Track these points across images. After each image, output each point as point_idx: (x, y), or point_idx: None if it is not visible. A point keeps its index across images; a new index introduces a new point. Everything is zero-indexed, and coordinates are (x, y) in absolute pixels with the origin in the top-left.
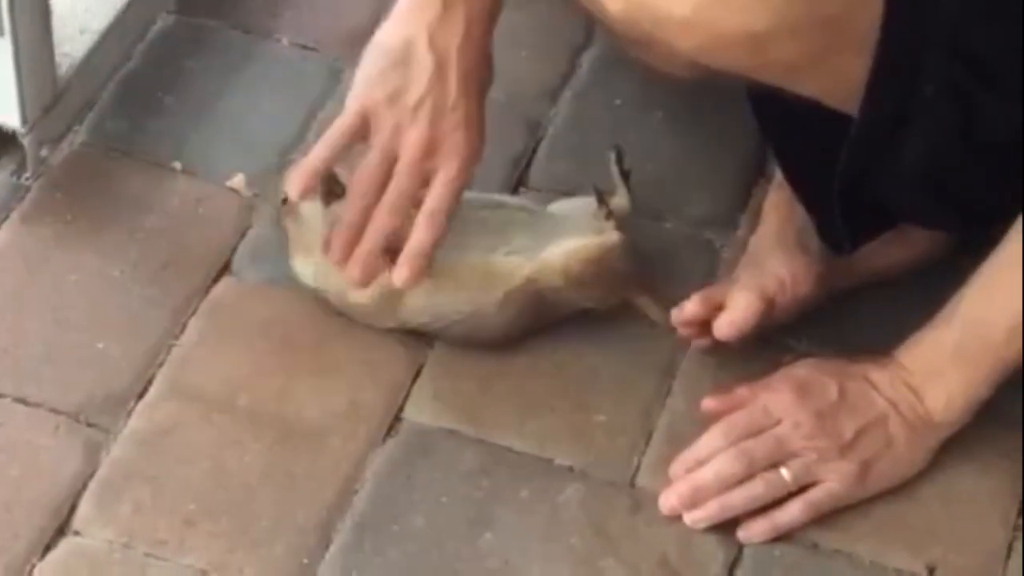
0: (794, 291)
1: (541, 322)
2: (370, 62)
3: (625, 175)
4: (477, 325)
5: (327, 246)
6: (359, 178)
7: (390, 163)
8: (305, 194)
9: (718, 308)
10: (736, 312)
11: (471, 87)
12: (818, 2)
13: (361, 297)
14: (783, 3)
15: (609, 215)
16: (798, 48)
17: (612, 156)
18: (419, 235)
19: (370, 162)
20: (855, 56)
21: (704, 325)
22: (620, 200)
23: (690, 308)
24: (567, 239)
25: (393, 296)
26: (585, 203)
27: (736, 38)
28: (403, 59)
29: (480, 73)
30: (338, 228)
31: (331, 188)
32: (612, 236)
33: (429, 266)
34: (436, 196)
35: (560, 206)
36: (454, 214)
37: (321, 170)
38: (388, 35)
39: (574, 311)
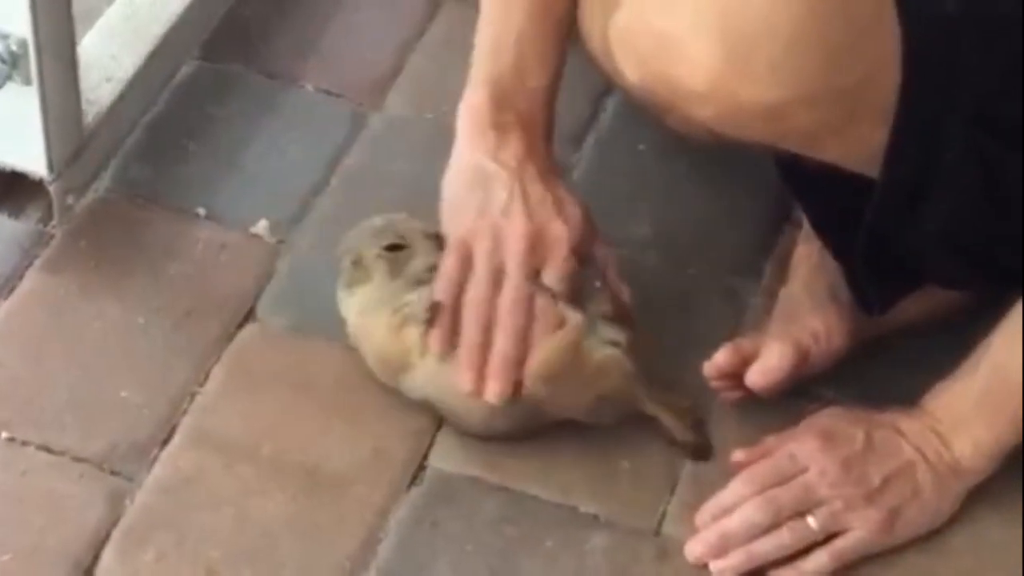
0: (828, 344)
1: (541, 425)
2: (448, 197)
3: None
4: (471, 425)
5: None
6: (472, 296)
7: (497, 273)
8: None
9: (750, 359)
10: (769, 361)
11: (550, 180)
12: (835, 72)
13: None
14: (800, 74)
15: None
16: (816, 118)
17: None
18: (541, 329)
19: (479, 281)
20: (874, 124)
21: (736, 377)
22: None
23: (721, 358)
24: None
25: (401, 366)
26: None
27: (753, 109)
28: (478, 180)
29: (554, 170)
30: (463, 350)
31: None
32: (574, 322)
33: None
34: (551, 283)
35: None
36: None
37: (452, 322)
38: (455, 168)
39: (580, 420)
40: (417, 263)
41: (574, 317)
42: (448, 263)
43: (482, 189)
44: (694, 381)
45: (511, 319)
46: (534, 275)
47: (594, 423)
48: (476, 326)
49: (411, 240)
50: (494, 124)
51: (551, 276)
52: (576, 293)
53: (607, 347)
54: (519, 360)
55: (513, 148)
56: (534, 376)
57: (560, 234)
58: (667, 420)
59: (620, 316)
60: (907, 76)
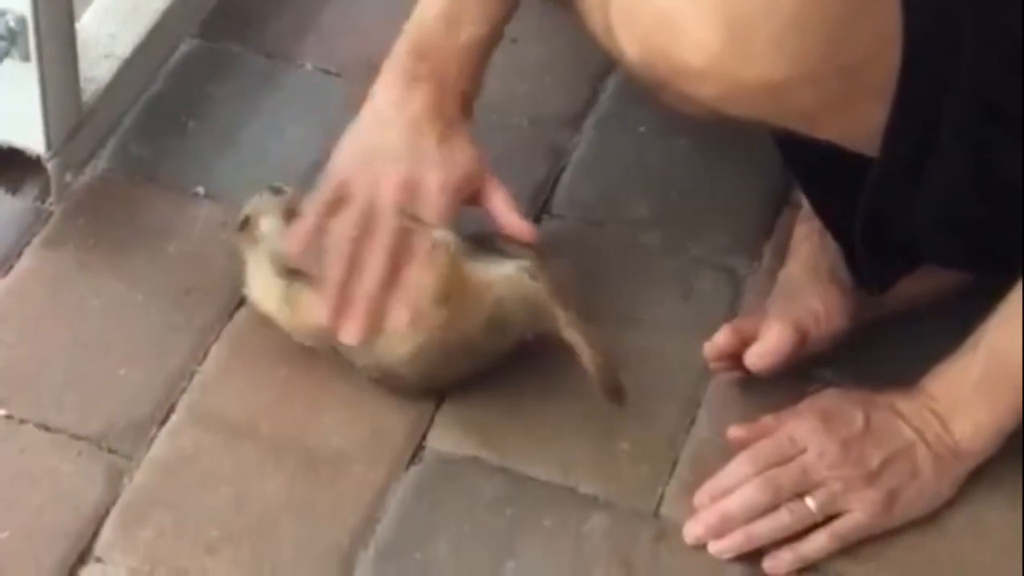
0: (828, 325)
1: (476, 366)
2: (345, 139)
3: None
4: (399, 377)
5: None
6: (342, 234)
7: (370, 216)
8: (302, 253)
9: (750, 340)
10: (768, 343)
11: (447, 136)
12: (836, 51)
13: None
14: (801, 53)
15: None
16: (816, 96)
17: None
18: (414, 277)
19: (351, 216)
20: (874, 103)
21: (735, 358)
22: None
23: (721, 339)
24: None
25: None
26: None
27: (754, 87)
28: (373, 127)
29: (456, 127)
30: (327, 284)
31: (292, 208)
32: (444, 241)
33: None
34: (423, 236)
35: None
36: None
37: (309, 243)
38: (360, 116)
39: (516, 345)
40: (265, 223)
41: (444, 236)
42: (322, 198)
43: (374, 136)
44: (693, 361)
45: (378, 260)
46: (407, 223)
47: (503, 346)
48: (341, 262)
49: (257, 211)
50: (407, 74)
51: (422, 214)
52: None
53: (504, 266)
54: (381, 304)
55: (418, 101)
56: (427, 300)
57: (437, 183)
58: (580, 347)
59: (525, 248)
60: (907, 55)
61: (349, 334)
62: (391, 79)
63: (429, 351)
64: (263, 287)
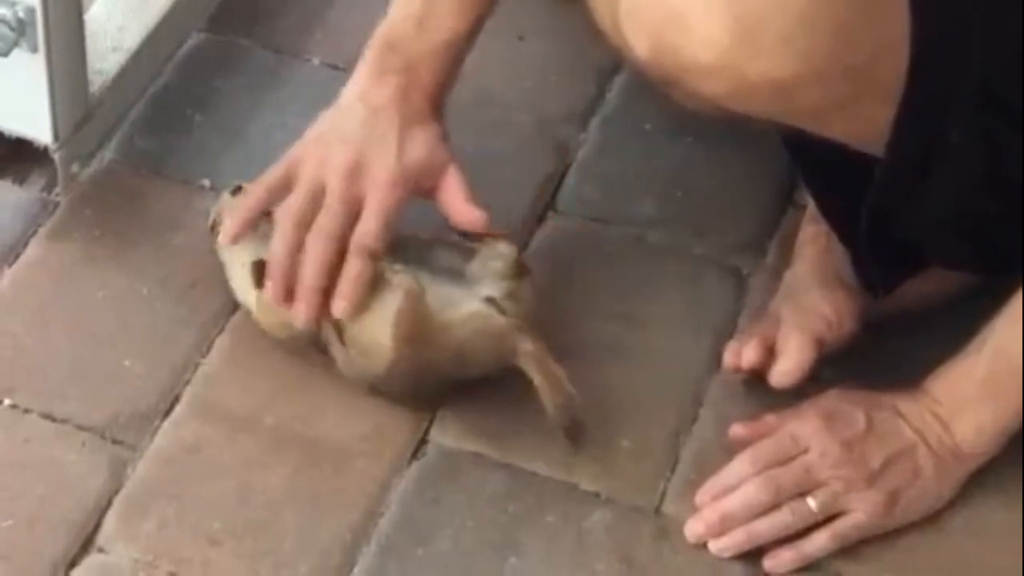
0: (840, 329)
1: (443, 382)
2: (309, 128)
3: None
4: (372, 383)
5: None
6: (285, 213)
7: (317, 196)
8: (237, 240)
9: (771, 347)
10: (792, 361)
11: (405, 129)
12: (844, 50)
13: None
14: (809, 51)
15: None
16: (824, 95)
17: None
18: (351, 264)
19: (296, 195)
20: (881, 103)
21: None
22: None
23: (750, 356)
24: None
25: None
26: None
27: (761, 85)
28: (337, 112)
29: (420, 119)
30: (272, 263)
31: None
32: (405, 289)
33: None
34: (364, 223)
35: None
36: (388, 240)
37: (251, 220)
38: (328, 109)
39: (493, 370)
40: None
41: (404, 283)
42: (268, 177)
43: (332, 122)
44: (696, 359)
45: (319, 251)
46: (354, 207)
47: (474, 376)
48: (283, 246)
49: (223, 212)
50: (376, 67)
51: (365, 229)
52: (398, 246)
53: (471, 301)
54: (324, 290)
55: (384, 92)
56: (392, 341)
57: (385, 169)
58: (539, 384)
59: (514, 268)
60: (915, 56)
61: (298, 318)
62: (361, 72)
63: (400, 374)
64: (240, 287)
